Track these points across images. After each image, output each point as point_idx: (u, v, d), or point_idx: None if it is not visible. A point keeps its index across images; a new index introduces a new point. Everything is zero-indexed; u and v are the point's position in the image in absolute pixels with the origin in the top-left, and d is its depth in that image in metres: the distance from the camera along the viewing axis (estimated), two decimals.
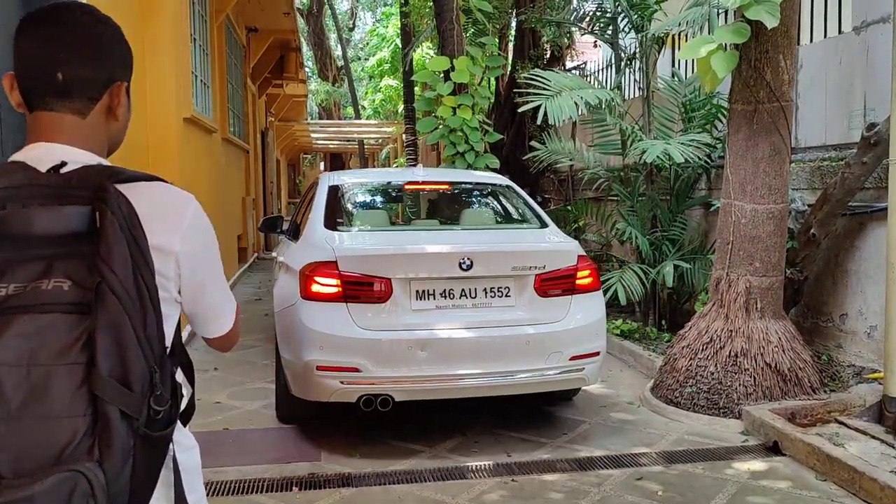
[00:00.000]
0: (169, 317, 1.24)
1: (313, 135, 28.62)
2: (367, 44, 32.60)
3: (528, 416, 4.78)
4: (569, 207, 8.96)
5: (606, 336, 6.10)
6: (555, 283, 4.28)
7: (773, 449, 4.22)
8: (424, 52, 20.43)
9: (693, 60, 7.61)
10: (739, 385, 4.64)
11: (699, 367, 4.75)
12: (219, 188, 9.20)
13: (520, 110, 6.60)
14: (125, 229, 1.11)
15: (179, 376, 1.30)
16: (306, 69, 24.58)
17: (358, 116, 30.35)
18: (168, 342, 1.23)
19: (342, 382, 3.95)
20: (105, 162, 1.28)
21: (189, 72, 6.87)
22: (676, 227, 6.46)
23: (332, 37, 33.75)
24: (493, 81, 10.95)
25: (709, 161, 6.07)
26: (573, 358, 4.24)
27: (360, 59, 35.40)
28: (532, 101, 5.84)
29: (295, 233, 5.09)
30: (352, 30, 37.76)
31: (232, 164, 10.96)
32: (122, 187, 1.15)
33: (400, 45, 19.92)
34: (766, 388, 4.63)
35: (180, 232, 1.26)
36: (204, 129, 7.87)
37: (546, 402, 5.03)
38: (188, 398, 1.37)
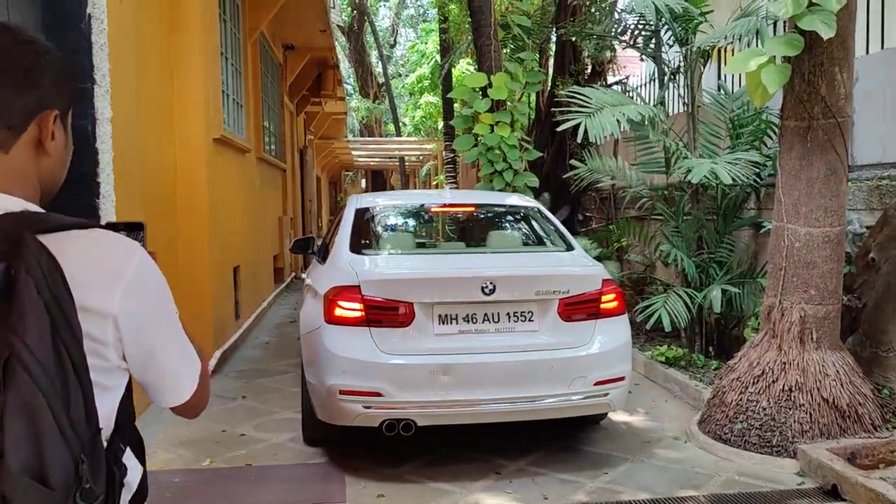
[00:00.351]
0: (109, 389, 1.09)
1: (354, 152, 28.86)
2: (408, 60, 32.93)
3: (566, 451, 4.57)
4: (611, 227, 8.81)
5: (651, 364, 6.04)
6: (579, 308, 4.29)
7: (831, 493, 3.97)
8: (464, 67, 20.49)
9: (741, 74, 7.44)
10: (794, 422, 4.40)
11: (750, 402, 4.51)
12: (252, 209, 9.27)
13: (559, 128, 6.50)
14: (44, 290, 0.95)
15: (129, 457, 1.14)
16: (347, 86, 24.92)
17: (399, 133, 30.63)
18: (109, 419, 1.08)
19: (365, 407, 4.01)
20: (33, 207, 1.11)
21: (219, 90, 6.94)
22: (724, 248, 6.24)
23: (374, 54, 34.19)
24: (532, 97, 10.88)
25: (758, 180, 5.84)
26: (598, 383, 4.24)
27: (400, 75, 35.79)
28: (572, 119, 5.74)
29: (324, 255, 5.16)
30: (393, 46, 38.20)
31: (267, 183, 11.06)
32: (46, 238, 1.00)
33: (439, 62, 20.06)
34: (823, 426, 4.39)
35: (119, 289, 1.07)
36: (236, 148, 7.93)
37: (578, 430, 4.87)
38: (139, 482, 1.18)
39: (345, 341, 4.07)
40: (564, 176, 9.54)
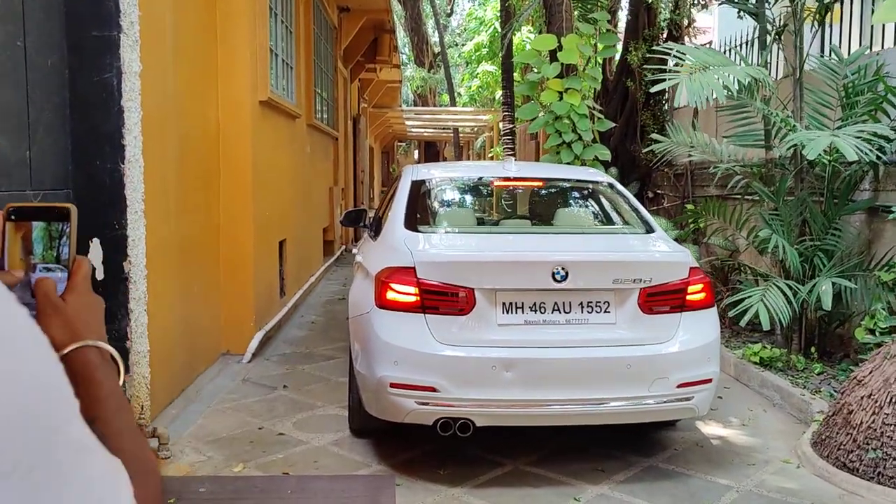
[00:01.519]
0: None
1: (408, 122, 28.55)
2: (465, 29, 32.32)
3: (652, 474, 4.04)
4: (687, 207, 8.21)
5: (743, 365, 5.49)
6: (662, 299, 3.86)
7: None
8: (525, 35, 19.85)
9: (852, 35, 6.72)
10: None
11: (886, 426, 3.79)
12: (302, 178, 8.94)
13: (654, 89, 5.92)
14: None
15: None
16: (402, 55, 24.50)
17: (454, 103, 30.13)
18: None
19: (418, 403, 3.70)
20: None
21: (267, 49, 6.56)
22: (832, 235, 5.54)
23: (429, 23, 33.63)
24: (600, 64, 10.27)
25: (880, 156, 5.11)
26: (681, 385, 3.82)
27: (456, 44, 35.18)
28: (667, 80, 5.15)
29: (376, 229, 4.86)
30: (449, 15, 37.56)
31: (318, 152, 10.73)
32: None
33: (499, 28, 19.43)
34: None
35: None
36: (285, 113, 7.57)
37: (662, 448, 4.39)
38: None
39: (397, 329, 3.75)
40: (645, 151, 8.96)
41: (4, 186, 3.23)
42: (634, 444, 4.36)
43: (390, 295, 3.77)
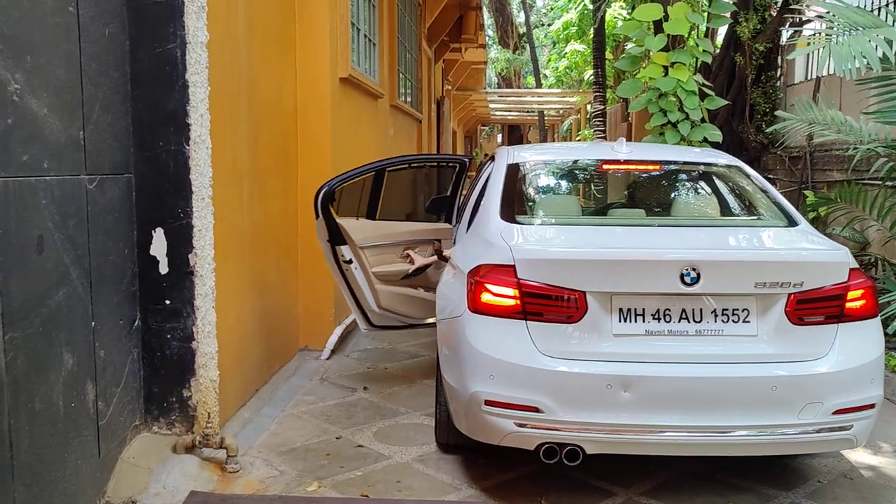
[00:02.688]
0: None
1: (491, 105, 28.04)
2: (551, 8, 31.47)
3: None
4: (806, 193, 7.37)
5: (888, 377, 4.75)
6: (815, 307, 3.23)
7: None
8: (616, 12, 18.95)
9: None
10: None
11: None
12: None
13: (790, 56, 5.17)
14: None
15: None
16: (486, 37, 23.95)
17: (539, 85, 29.40)
18: None
19: (518, 424, 3.21)
20: None
21: (348, 22, 6.10)
22: None
23: (514, 2, 32.84)
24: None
25: None
26: (838, 412, 3.18)
27: (542, 24, 34.32)
28: (809, 45, 4.41)
29: (468, 219, 4.34)
30: None
31: (402, 134, 10.30)
32: None
33: (589, 5, 18.59)
34: None
35: None
36: (367, 92, 7.12)
37: (799, 484, 3.73)
38: None
39: (494, 337, 3.24)
40: (768, 130, 8.14)
41: (54, 170, 2.84)
42: (767, 474, 3.72)
43: (486, 297, 3.26)
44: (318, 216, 4.67)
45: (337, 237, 4.79)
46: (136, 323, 3.50)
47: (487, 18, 29.48)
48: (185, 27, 3.36)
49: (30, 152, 2.68)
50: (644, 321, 3.19)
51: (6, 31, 2.55)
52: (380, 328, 5.19)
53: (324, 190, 4.67)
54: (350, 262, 4.84)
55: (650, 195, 4.75)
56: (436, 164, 6.41)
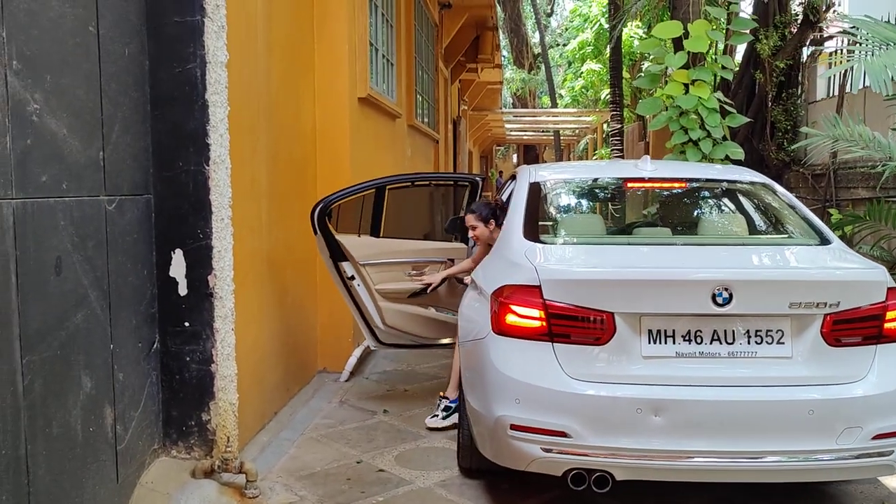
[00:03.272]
0: None
1: (507, 125, 28.07)
2: (566, 28, 31.57)
3: None
4: (830, 211, 7.25)
5: None
6: (853, 328, 3.12)
7: None
8: (632, 31, 18.97)
9: None
10: None
11: None
12: None
13: (822, 75, 5.10)
14: None
15: None
16: (502, 57, 24.07)
17: (555, 105, 29.41)
18: None
19: (545, 449, 3.12)
20: None
21: (367, 42, 6.09)
22: None
23: (529, 23, 32.97)
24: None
25: None
26: (878, 436, 3.06)
27: (557, 45, 34.41)
28: (843, 63, 4.35)
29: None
30: (550, 15, 36.86)
31: (419, 154, 10.28)
32: None
33: (605, 25, 18.60)
34: None
35: None
36: (385, 112, 7.10)
37: None
38: None
39: (519, 360, 3.17)
40: (792, 147, 8.05)
41: (74, 191, 2.81)
42: (802, 501, 3.59)
43: (511, 319, 3.19)
44: (315, 232, 4.69)
45: (338, 254, 4.81)
46: (154, 345, 3.45)
47: (502, 39, 29.60)
48: (204, 47, 3.34)
49: (49, 173, 2.65)
50: (674, 343, 3.10)
51: (26, 51, 2.53)
52: (390, 346, 5.22)
53: (320, 206, 4.71)
54: (352, 278, 4.89)
55: (676, 214, 4.67)
56: (443, 182, 6.38)
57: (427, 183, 6.12)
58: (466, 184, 5.54)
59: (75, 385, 2.79)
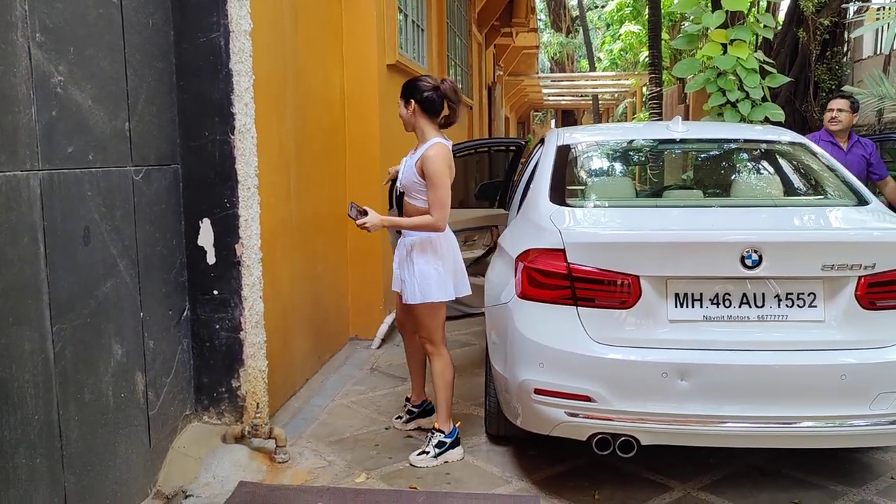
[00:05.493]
0: None
1: (544, 90, 27.73)
2: None
3: None
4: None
5: None
6: (889, 290, 3.06)
7: None
8: None
9: None
10: None
11: None
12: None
13: (855, 33, 4.96)
14: None
15: None
16: (538, 21, 23.68)
17: (593, 69, 29.00)
18: None
19: (569, 414, 3.12)
20: None
21: (395, 7, 6.05)
22: None
23: None
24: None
25: None
26: None
27: (596, 6, 33.80)
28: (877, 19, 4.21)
29: (516, 204, 4.27)
30: None
31: None
32: None
33: None
34: None
35: None
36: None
37: (869, 480, 3.56)
38: None
39: (543, 324, 3.18)
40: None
41: (100, 162, 2.86)
42: (835, 469, 3.56)
43: (534, 283, 3.20)
44: (391, 206, 4.59)
45: None
46: (185, 313, 3.52)
47: (539, 2, 29.17)
48: (227, 16, 3.36)
49: (75, 144, 2.70)
50: (702, 306, 3.08)
51: (49, 24, 2.57)
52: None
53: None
54: None
55: (708, 176, 4.60)
56: (496, 147, 6.29)
57: (486, 150, 6.04)
58: (513, 147, 5.45)
59: (106, 352, 2.86)
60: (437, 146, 3.56)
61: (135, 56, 3.13)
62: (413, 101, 3.64)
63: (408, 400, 4.20)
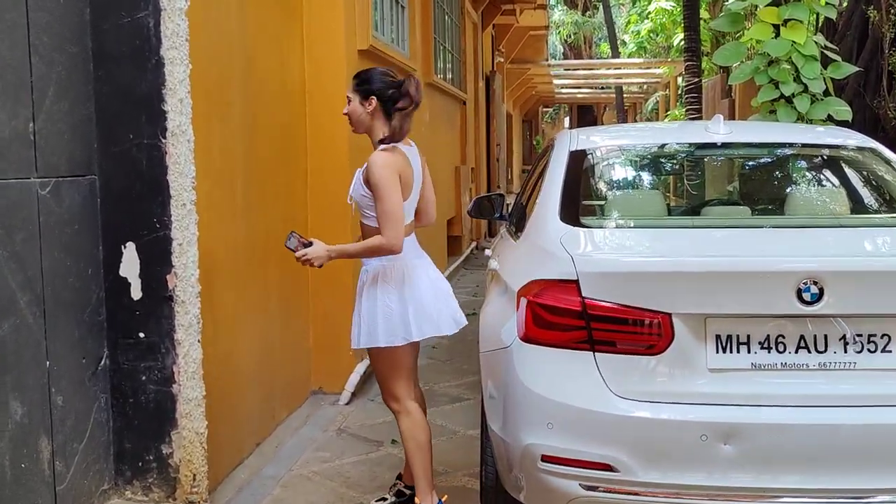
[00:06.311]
0: None
1: (556, 81, 28.01)
2: None
3: None
4: None
5: None
6: None
7: None
8: None
9: None
10: None
11: None
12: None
13: None
14: None
15: None
16: None
17: (616, 55, 29.32)
18: None
19: (586, 487, 3.14)
20: None
21: None
22: None
23: None
24: None
25: None
26: None
27: None
28: None
29: (518, 222, 4.37)
30: None
31: (440, 120, 10.34)
32: None
33: None
34: None
35: None
36: (393, 68, 7.15)
37: None
38: None
39: (552, 374, 3.21)
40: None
41: None
42: None
43: (541, 322, 3.22)
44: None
45: None
46: (102, 361, 3.52)
47: None
48: None
49: None
50: (749, 351, 3.11)
51: None
52: None
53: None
54: None
55: (757, 189, 4.69)
56: None
57: None
58: None
59: (2, 412, 2.85)
60: (387, 151, 3.63)
61: (41, 39, 3.16)
62: (374, 98, 3.67)
63: (399, 477, 4.18)
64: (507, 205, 5.41)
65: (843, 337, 3.08)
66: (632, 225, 3.71)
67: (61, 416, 3.20)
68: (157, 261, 3.52)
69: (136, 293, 3.53)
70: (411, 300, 3.70)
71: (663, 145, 4.67)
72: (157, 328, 3.54)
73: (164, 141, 3.45)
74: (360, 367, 5.78)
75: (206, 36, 3.97)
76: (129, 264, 3.52)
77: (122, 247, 3.52)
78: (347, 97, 3.73)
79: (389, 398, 3.81)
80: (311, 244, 3.62)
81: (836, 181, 4.23)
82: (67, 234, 3.29)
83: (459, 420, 5.31)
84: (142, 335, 3.53)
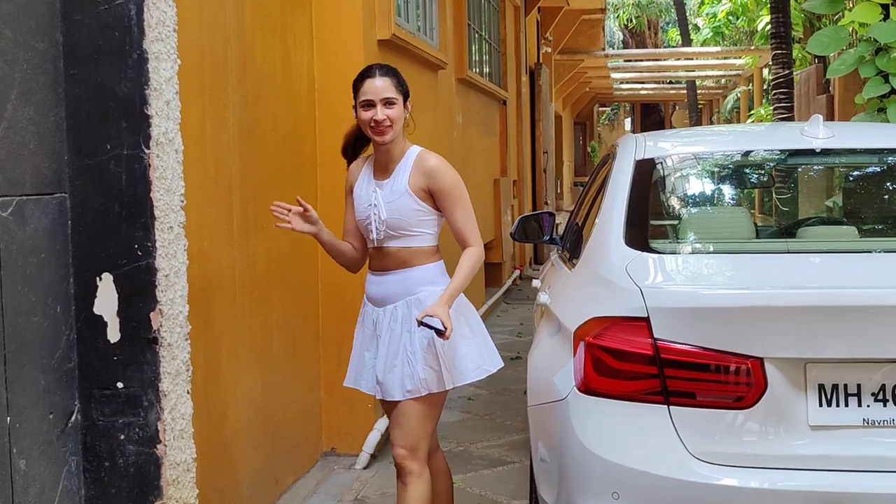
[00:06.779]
0: None
1: (614, 75, 28.13)
2: None
3: None
4: None
5: None
6: None
7: None
8: None
9: None
10: None
11: None
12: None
13: None
14: None
15: None
16: None
17: (687, 43, 29.36)
18: None
19: None
20: None
21: None
22: None
23: None
24: None
25: None
26: None
27: None
28: None
29: (573, 246, 4.46)
30: None
31: (475, 123, 10.43)
32: None
33: None
34: None
35: None
36: (420, 60, 7.25)
37: None
38: None
39: (618, 432, 3.28)
40: None
41: None
42: None
43: (604, 370, 3.29)
44: None
45: None
46: (73, 417, 3.54)
47: None
48: None
49: None
50: (860, 405, 3.14)
51: None
52: None
53: None
54: None
55: (864, 205, 4.76)
56: None
57: None
58: None
59: None
60: (429, 152, 3.97)
61: (2, 33, 3.20)
62: (408, 101, 3.98)
63: None
64: (558, 225, 5.45)
65: None
66: (712, 250, 3.78)
67: (24, 483, 3.22)
68: (139, 296, 3.53)
69: (113, 335, 3.54)
70: (476, 324, 4.02)
71: (748, 153, 4.75)
72: (138, 377, 3.55)
73: (147, 151, 3.48)
74: (380, 425, 5.80)
75: (197, 28, 4.04)
76: (106, 300, 3.54)
77: (97, 279, 3.54)
78: (387, 100, 3.95)
79: (420, 456, 3.86)
80: (433, 316, 3.64)
81: None
82: (32, 264, 3.32)
83: (502, 488, 5.36)
84: (120, 385, 3.55)
